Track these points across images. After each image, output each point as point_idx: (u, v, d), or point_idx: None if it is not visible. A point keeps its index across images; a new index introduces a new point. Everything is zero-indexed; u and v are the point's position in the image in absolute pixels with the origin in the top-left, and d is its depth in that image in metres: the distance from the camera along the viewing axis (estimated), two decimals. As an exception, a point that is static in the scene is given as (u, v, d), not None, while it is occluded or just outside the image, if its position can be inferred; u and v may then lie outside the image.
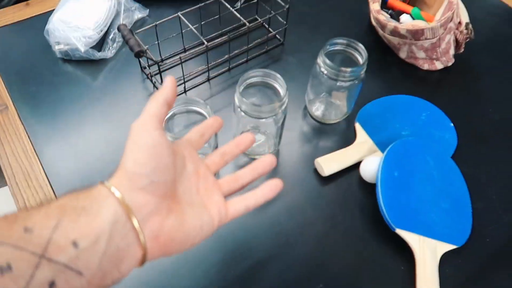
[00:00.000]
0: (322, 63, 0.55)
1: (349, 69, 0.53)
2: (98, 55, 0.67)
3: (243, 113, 0.50)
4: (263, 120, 0.50)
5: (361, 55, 0.56)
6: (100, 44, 0.69)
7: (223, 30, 0.73)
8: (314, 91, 0.61)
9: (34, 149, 0.58)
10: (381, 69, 0.70)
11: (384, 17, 0.68)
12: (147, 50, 0.59)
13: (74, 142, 0.59)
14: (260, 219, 0.52)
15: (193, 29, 0.63)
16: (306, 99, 0.64)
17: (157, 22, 0.62)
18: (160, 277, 0.47)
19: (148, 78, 0.67)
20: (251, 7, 0.74)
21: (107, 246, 0.27)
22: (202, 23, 0.69)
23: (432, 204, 0.52)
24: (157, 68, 0.61)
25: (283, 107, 0.50)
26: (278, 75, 0.51)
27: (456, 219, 0.52)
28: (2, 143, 0.59)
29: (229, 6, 0.66)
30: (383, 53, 0.73)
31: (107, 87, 0.66)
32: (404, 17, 0.71)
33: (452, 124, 0.62)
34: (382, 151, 0.57)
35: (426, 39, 0.65)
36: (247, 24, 0.63)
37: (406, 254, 0.49)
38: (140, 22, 0.75)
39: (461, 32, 0.67)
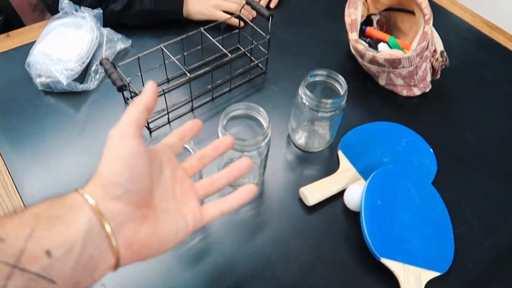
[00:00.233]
0: (304, 95, 0.56)
1: (329, 101, 0.54)
2: (81, 87, 0.67)
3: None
4: (247, 153, 0.51)
5: (341, 86, 0.58)
6: (82, 76, 0.69)
7: (205, 60, 0.74)
8: (296, 120, 0.62)
9: (14, 184, 0.57)
10: (362, 96, 0.72)
11: (362, 46, 0.71)
12: (129, 83, 0.59)
13: (56, 176, 0.58)
14: (246, 253, 0.52)
15: (176, 61, 0.64)
16: (289, 128, 0.65)
17: (140, 55, 0.63)
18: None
19: (131, 109, 0.67)
20: (233, 36, 0.75)
21: (80, 254, 0.27)
22: (184, 53, 0.69)
23: (415, 231, 0.53)
24: (140, 100, 0.61)
25: (266, 139, 0.51)
26: (261, 109, 0.52)
27: (439, 245, 0.53)
28: (-19, 179, 0.58)
29: (211, 38, 0.67)
30: (363, 80, 0.75)
31: (90, 119, 0.65)
32: (382, 46, 0.73)
33: (431, 150, 0.63)
34: (365, 178, 0.58)
35: (403, 67, 0.68)
36: (229, 55, 0.64)
37: (391, 282, 0.50)
38: (123, 53, 0.75)
39: (436, 59, 0.69)
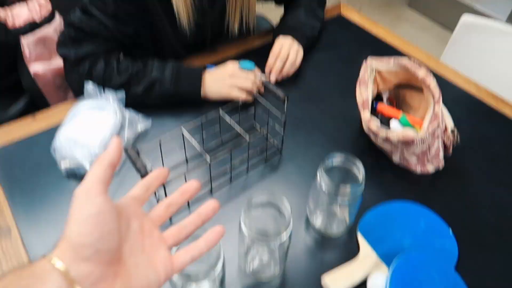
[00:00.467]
0: (322, 181, 0.57)
1: (348, 189, 0.55)
2: (103, 170, 0.69)
3: (249, 240, 0.51)
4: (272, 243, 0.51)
5: (358, 170, 0.59)
6: (104, 159, 0.71)
7: (223, 139, 0.76)
8: (315, 202, 0.63)
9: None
10: (376, 173, 0.73)
11: (375, 125, 0.73)
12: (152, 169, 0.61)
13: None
14: None
15: (195, 145, 0.66)
16: (307, 209, 0.65)
17: (161, 137, 0.65)
18: None
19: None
20: (250, 112, 0.78)
21: None
22: (203, 136, 0.72)
23: (442, 324, 0.51)
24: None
25: (289, 231, 0.51)
26: (285, 199, 0.52)
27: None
28: (3, 270, 0.58)
29: (229, 121, 0.69)
30: (376, 157, 0.76)
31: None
32: (394, 123, 0.76)
33: (451, 232, 0.63)
34: (387, 264, 0.57)
35: (416, 146, 0.69)
36: (247, 139, 0.67)
37: None
38: (143, 134, 0.78)
39: (448, 137, 0.71)
